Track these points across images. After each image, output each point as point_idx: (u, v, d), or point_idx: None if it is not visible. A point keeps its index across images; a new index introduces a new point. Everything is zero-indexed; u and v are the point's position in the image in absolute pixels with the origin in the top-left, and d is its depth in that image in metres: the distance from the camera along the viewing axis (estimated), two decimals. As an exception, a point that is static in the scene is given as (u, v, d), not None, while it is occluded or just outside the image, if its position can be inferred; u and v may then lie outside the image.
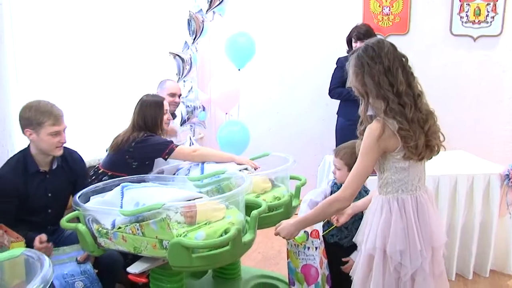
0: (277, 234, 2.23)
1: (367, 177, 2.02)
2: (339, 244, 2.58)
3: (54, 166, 2.72)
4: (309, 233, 2.40)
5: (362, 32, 4.14)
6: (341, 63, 4.22)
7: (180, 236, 2.01)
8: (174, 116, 3.76)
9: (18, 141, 3.02)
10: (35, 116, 2.52)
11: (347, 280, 2.23)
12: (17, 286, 1.81)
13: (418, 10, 4.80)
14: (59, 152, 2.65)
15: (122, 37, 3.85)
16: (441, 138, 2.04)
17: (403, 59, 1.99)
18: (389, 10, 4.85)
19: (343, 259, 2.52)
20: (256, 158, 3.19)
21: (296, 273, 2.41)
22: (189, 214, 2.11)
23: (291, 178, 2.94)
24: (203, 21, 4.21)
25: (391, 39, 4.63)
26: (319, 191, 2.68)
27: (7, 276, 1.80)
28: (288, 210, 2.72)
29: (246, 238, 2.20)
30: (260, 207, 2.35)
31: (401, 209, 1.99)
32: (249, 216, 2.26)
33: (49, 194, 2.67)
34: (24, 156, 2.63)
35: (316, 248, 2.33)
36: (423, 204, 2.02)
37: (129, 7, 3.96)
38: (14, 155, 2.68)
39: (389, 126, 1.91)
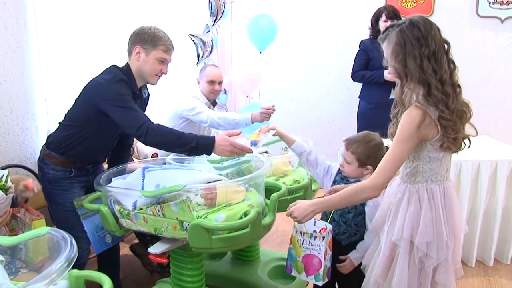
0: (289, 214, 2.00)
1: (401, 165, 1.89)
2: (336, 240, 2.28)
3: (145, 95, 2.71)
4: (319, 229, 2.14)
5: (392, 10, 4.09)
6: (364, 46, 4.18)
7: (200, 217, 2.03)
8: (214, 103, 3.69)
9: (42, 124, 3.08)
10: (152, 38, 2.50)
11: (339, 277, 2.23)
12: (41, 261, 1.87)
13: (443, -10, 4.70)
14: (155, 81, 2.61)
15: (142, 19, 3.85)
16: (474, 132, 1.94)
17: (446, 46, 1.85)
18: (414, -10, 4.77)
19: (340, 257, 2.28)
20: (275, 142, 3.18)
21: (296, 261, 2.21)
22: (209, 196, 2.13)
23: (311, 161, 2.92)
24: (224, 3, 4.19)
25: (415, 21, 4.65)
26: (324, 162, 2.45)
27: (31, 252, 1.86)
28: (307, 193, 2.73)
29: (266, 220, 2.21)
30: (280, 190, 2.36)
31: (430, 200, 1.91)
32: (269, 199, 2.27)
33: None
34: (127, 70, 2.55)
35: (323, 238, 2.14)
36: (450, 194, 1.95)
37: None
38: (112, 68, 2.54)
39: (429, 113, 1.79)
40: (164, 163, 2.68)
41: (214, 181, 2.23)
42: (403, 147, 1.82)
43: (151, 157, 3.01)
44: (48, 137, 2.66)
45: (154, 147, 2.44)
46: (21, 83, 2.92)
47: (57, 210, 2.56)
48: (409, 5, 4.78)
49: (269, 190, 2.36)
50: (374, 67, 4.07)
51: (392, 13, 4.07)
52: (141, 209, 2.19)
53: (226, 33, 4.63)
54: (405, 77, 1.84)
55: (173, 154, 2.80)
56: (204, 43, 4.12)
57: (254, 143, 2.44)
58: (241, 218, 2.07)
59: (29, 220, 2.26)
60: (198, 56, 4.11)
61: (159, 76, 2.60)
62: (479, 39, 4.72)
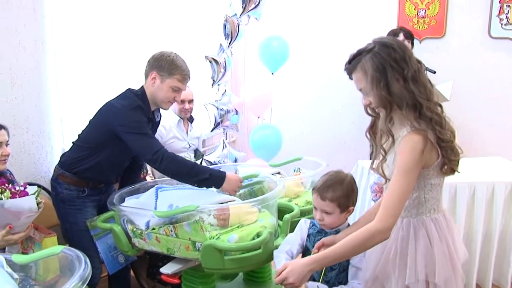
0: (281, 281, 1.69)
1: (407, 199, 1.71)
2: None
3: (158, 119, 2.74)
4: None
5: (409, 31, 4.10)
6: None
7: (213, 238, 2.03)
8: (191, 119, 3.74)
9: (57, 143, 3.12)
10: (170, 65, 2.52)
11: None
12: (52, 280, 1.87)
13: (455, 12, 4.71)
14: (167, 107, 2.65)
15: (158, 41, 3.92)
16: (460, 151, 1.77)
17: (420, 64, 1.73)
18: (425, 12, 4.78)
19: None
20: (288, 162, 3.20)
21: None
22: (222, 216, 2.14)
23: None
24: (238, 25, 4.24)
25: (427, 43, 4.70)
26: (294, 238, 2.07)
27: (41, 270, 1.86)
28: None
29: (278, 241, 2.20)
30: (293, 211, 2.37)
31: (438, 231, 1.77)
32: (282, 220, 2.27)
33: None
34: (142, 95, 2.57)
35: None
36: (449, 220, 1.84)
37: (166, 11, 4.02)
38: (128, 93, 2.57)
39: (429, 137, 1.66)
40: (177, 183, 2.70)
41: (227, 202, 2.24)
42: (410, 177, 1.65)
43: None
44: (61, 157, 2.69)
45: (167, 175, 2.44)
46: (38, 102, 2.96)
47: (70, 229, 2.58)
48: (420, 27, 4.79)
49: (281, 211, 2.37)
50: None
51: (409, 34, 4.08)
52: (154, 229, 2.20)
53: (239, 54, 4.67)
54: (390, 104, 1.68)
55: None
56: (218, 63, 4.16)
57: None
58: (253, 239, 2.07)
59: (40, 238, 2.27)
60: (213, 77, 4.14)
61: (172, 103, 2.63)
62: (491, 60, 4.70)
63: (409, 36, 4.07)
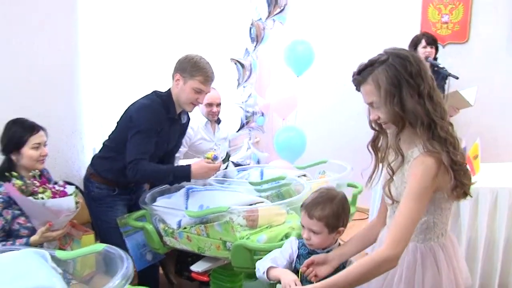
0: None
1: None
2: None
3: (184, 120, 2.80)
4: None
5: (431, 37, 4.08)
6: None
7: (243, 238, 2.10)
8: (218, 121, 3.82)
9: (89, 142, 3.22)
10: (192, 67, 2.58)
11: None
12: (88, 275, 1.96)
13: (479, 17, 4.68)
14: (190, 109, 2.71)
15: (186, 43, 4.00)
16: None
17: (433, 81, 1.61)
18: (449, 18, 4.75)
19: None
20: (313, 165, 3.26)
21: None
22: (252, 217, 2.21)
23: (348, 185, 2.98)
24: (263, 29, 4.32)
25: (450, 48, 4.70)
26: (278, 257, 1.89)
27: (79, 266, 1.93)
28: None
29: (305, 242, 2.26)
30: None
31: (446, 259, 1.67)
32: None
33: (166, 143, 2.70)
34: (168, 96, 2.65)
35: None
36: (455, 244, 1.75)
37: (194, 15, 4.10)
38: (151, 95, 2.68)
39: (443, 159, 1.54)
40: (205, 184, 2.77)
41: (256, 203, 2.31)
42: (421, 203, 1.54)
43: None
44: (93, 158, 2.80)
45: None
46: (70, 102, 3.05)
47: (101, 226, 2.68)
48: (444, 32, 4.78)
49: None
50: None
51: (431, 39, 4.06)
52: (185, 228, 2.28)
53: (264, 57, 4.74)
54: (403, 121, 1.57)
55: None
56: (243, 66, 4.24)
57: (215, 157, 2.47)
58: (282, 239, 2.14)
59: (78, 235, 2.37)
60: (239, 79, 4.22)
61: (195, 105, 2.68)
62: (516, 65, 4.69)
63: (432, 41, 4.06)
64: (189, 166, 2.41)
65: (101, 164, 2.68)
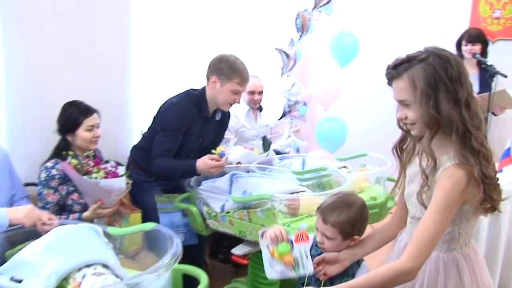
0: None
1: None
2: None
3: (218, 118, 2.89)
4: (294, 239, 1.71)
5: (474, 34, 3.99)
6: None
7: (284, 225, 2.17)
8: (260, 108, 3.88)
9: (136, 125, 3.34)
10: (229, 70, 2.66)
11: None
12: (133, 251, 2.07)
13: (533, 13, 4.58)
14: (227, 109, 2.83)
15: (234, 32, 4.07)
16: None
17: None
18: (501, 13, 4.63)
19: None
20: (354, 158, 3.29)
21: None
22: (293, 206, 2.27)
23: (388, 179, 3.00)
24: (309, 19, 4.34)
25: (500, 44, 4.60)
26: None
27: (127, 242, 2.04)
28: (383, 210, 2.79)
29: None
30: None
31: (469, 268, 1.62)
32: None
33: (200, 140, 2.81)
34: (201, 96, 2.75)
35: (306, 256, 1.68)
36: (478, 254, 1.69)
37: (241, 4, 4.17)
38: (190, 91, 2.80)
39: (474, 172, 1.46)
40: (248, 171, 2.85)
41: (298, 192, 2.37)
42: (447, 215, 1.48)
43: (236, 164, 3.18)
44: (132, 148, 2.95)
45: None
46: (121, 88, 3.17)
47: (139, 207, 2.77)
48: (494, 28, 4.67)
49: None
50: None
51: (474, 37, 3.95)
52: (228, 212, 2.36)
53: (309, 47, 4.77)
54: (438, 125, 1.50)
55: (258, 160, 3.00)
56: (288, 55, 4.29)
57: (222, 154, 2.52)
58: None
59: (126, 213, 2.50)
60: (283, 68, 4.28)
61: (232, 105, 2.78)
62: None
63: (475, 39, 3.91)
64: (194, 162, 2.51)
65: (138, 154, 2.84)
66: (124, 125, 3.25)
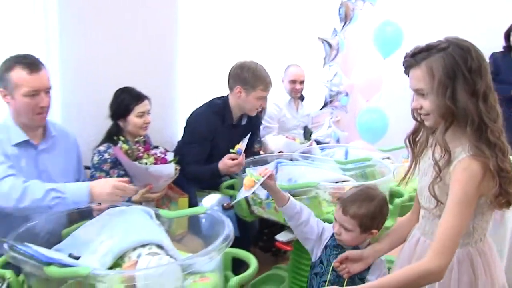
0: None
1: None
2: None
3: (244, 122, 2.97)
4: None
5: None
6: (493, 59, 4.09)
7: (329, 213, 2.19)
8: (302, 98, 3.91)
9: (182, 112, 3.41)
10: (252, 79, 2.76)
11: None
12: (180, 235, 2.11)
13: None
14: (254, 114, 2.90)
15: (275, 21, 4.09)
16: None
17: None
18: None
19: None
20: (396, 149, 3.28)
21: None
22: (337, 195, 2.26)
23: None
24: (353, 9, 4.32)
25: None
26: (318, 223, 1.95)
27: (174, 225, 2.08)
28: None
29: (387, 224, 2.31)
30: (402, 196, 2.45)
31: (484, 264, 1.59)
32: (392, 204, 2.37)
33: (230, 146, 2.80)
34: (224, 105, 2.86)
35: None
36: (492, 248, 1.66)
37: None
38: (213, 100, 2.92)
39: (489, 165, 1.44)
40: (291, 159, 2.87)
41: (342, 181, 2.39)
42: (467, 210, 1.45)
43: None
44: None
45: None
46: (168, 76, 3.26)
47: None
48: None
49: (391, 196, 2.47)
50: (502, 81, 3.97)
51: None
52: (273, 199, 2.39)
53: (352, 38, 4.75)
54: (453, 116, 1.47)
55: (300, 150, 3.03)
56: (330, 45, 4.28)
57: (239, 152, 2.60)
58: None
59: (174, 197, 2.57)
60: (325, 58, 4.28)
61: (257, 110, 2.86)
62: None
63: None
64: (217, 165, 2.63)
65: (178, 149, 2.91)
66: (170, 112, 3.33)
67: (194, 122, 2.83)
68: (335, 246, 1.84)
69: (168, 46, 3.22)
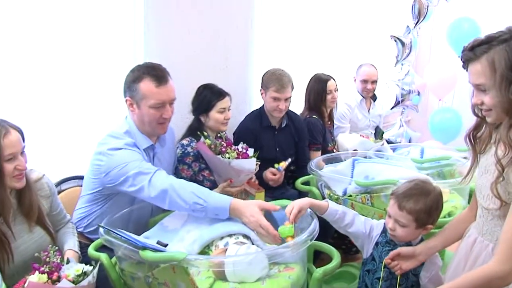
0: None
1: None
2: None
3: (283, 125, 3.06)
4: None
5: None
6: None
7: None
8: (374, 98, 3.89)
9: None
10: (267, 80, 2.92)
11: None
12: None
13: None
14: (278, 114, 2.97)
15: (348, 20, 4.10)
16: None
17: None
18: None
19: None
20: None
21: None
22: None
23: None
24: (427, 6, 4.25)
25: None
26: (365, 222, 1.91)
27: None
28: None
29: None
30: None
31: None
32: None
33: (277, 149, 3.02)
34: (260, 111, 3.05)
35: None
36: None
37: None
38: (255, 110, 3.13)
39: None
40: (365, 157, 2.88)
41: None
42: None
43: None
44: None
45: None
46: (243, 73, 3.34)
47: None
48: None
49: (470, 196, 2.43)
50: None
51: None
52: (350, 195, 2.42)
53: (425, 35, 4.67)
54: None
55: (374, 148, 3.03)
56: (403, 44, 4.23)
57: (280, 169, 2.78)
58: (444, 217, 2.17)
59: (252, 192, 2.64)
60: (397, 56, 4.23)
61: (277, 110, 2.93)
62: None
63: None
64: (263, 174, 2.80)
65: None
66: (243, 110, 3.40)
67: (238, 130, 3.02)
68: (387, 242, 1.81)
69: (244, 48, 3.31)
